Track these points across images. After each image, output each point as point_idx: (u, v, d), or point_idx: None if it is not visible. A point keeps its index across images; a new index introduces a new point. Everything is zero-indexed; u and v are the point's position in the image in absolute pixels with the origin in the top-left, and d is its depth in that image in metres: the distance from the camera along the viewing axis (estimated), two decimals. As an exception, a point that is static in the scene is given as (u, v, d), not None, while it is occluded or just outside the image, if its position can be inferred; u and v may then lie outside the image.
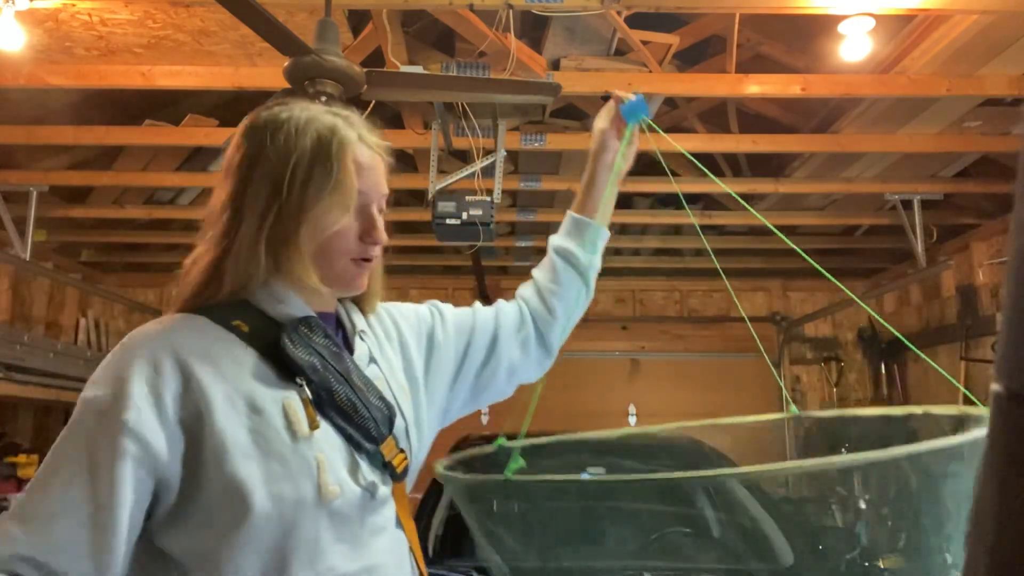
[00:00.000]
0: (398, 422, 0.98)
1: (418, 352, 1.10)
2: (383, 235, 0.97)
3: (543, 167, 4.14)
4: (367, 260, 0.97)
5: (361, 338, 1.03)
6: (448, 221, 3.23)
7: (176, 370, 0.86)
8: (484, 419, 5.32)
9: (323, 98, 2.20)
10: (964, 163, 4.03)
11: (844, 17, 2.70)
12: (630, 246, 5.50)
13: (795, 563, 2.58)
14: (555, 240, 1.24)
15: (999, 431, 0.39)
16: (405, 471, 0.98)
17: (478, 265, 5.46)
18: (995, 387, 0.39)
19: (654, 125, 1.19)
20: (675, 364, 6.07)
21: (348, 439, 0.92)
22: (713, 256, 1.08)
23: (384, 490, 0.94)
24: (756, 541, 2.81)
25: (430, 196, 3.33)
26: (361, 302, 1.06)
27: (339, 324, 1.03)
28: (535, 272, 1.25)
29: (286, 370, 0.89)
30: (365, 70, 2.26)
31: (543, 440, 1.21)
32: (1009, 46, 2.77)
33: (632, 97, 1.20)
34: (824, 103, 3.57)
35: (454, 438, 3.08)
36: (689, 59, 3.56)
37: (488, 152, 3.33)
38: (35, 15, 2.62)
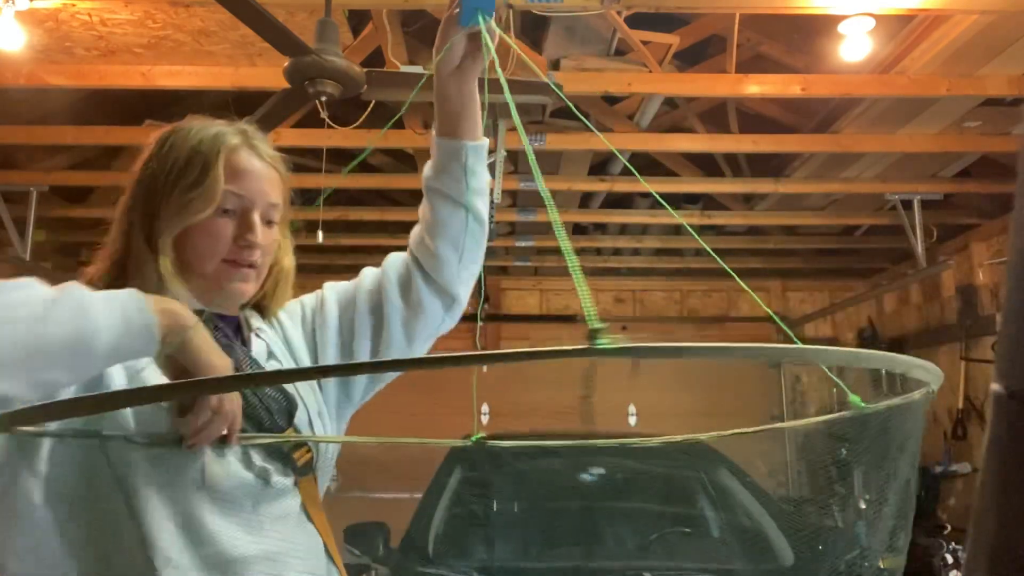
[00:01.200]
0: (300, 415, 0.99)
1: (303, 344, 1.09)
2: (257, 239, 0.97)
3: (543, 167, 4.13)
4: (248, 266, 0.98)
5: (258, 335, 1.04)
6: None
7: None
8: (484, 418, 5.31)
9: (322, 98, 2.20)
10: (964, 163, 4.02)
11: (844, 17, 2.70)
12: (630, 246, 5.50)
13: (795, 563, 2.59)
14: (424, 172, 1.14)
15: (999, 431, 0.39)
16: (308, 465, 0.98)
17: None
18: (995, 387, 0.39)
19: (496, 28, 1.01)
20: (675, 364, 6.07)
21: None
22: (718, 258, 1.01)
23: (281, 479, 0.94)
24: (756, 541, 2.82)
25: (430, 196, 3.33)
26: (261, 309, 1.08)
27: (240, 327, 1.04)
28: (420, 210, 1.15)
29: None
30: (365, 70, 2.26)
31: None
32: (1009, 46, 2.77)
33: None
34: (824, 103, 3.57)
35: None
36: (689, 59, 3.55)
37: (488, 152, 3.33)
38: (35, 15, 2.62)
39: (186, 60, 3.01)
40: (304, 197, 1.09)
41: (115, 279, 0.95)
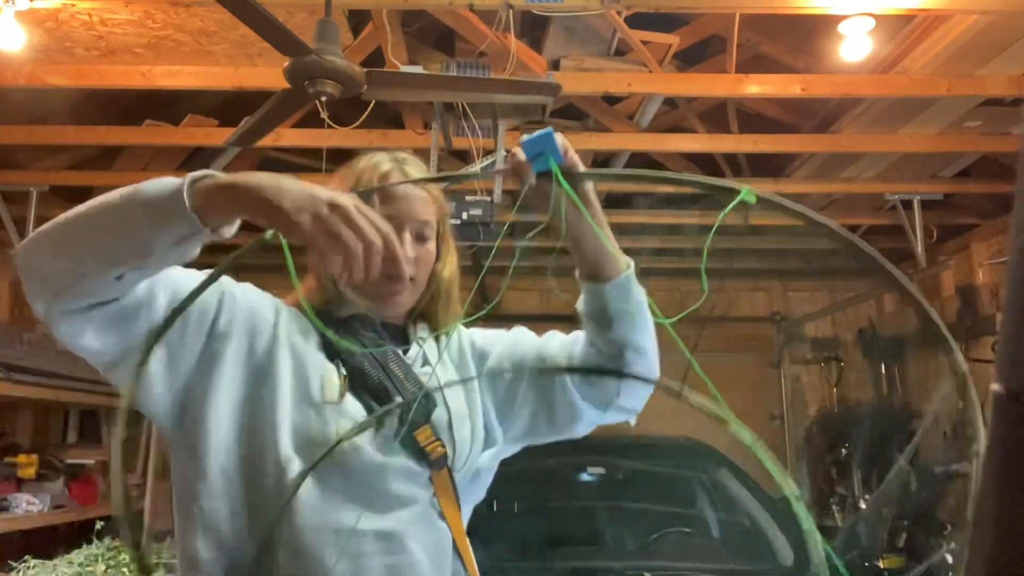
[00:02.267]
0: (439, 413, 1.07)
1: (481, 367, 1.19)
2: (408, 253, 1.08)
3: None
4: (399, 279, 1.08)
5: (418, 344, 1.16)
6: (448, 221, 3.23)
7: (274, 313, 1.08)
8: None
9: (322, 98, 2.20)
10: (964, 163, 4.02)
11: (844, 17, 2.70)
12: (630, 246, 5.48)
13: (795, 563, 2.59)
14: (578, 304, 1.23)
15: (999, 431, 0.39)
16: (442, 460, 1.06)
17: (478, 265, 5.46)
18: (995, 387, 0.39)
19: (561, 181, 0.99)
20: (674, 364, 6.06)
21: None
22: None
23: (411, 466, 1.02)
24: (756, 541, 2.82)
25: (430, 196, 3.33)
26: (430, 323, 1.20)
27: (406, 334, 1.17)
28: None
29: (333, 351, 1.06)
30: (365, 70, 2.26)
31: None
32: (1009, 46, 2.77)
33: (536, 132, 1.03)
34: (824, 103, 3.57)
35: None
36: (689, 59, 3.55)
37: (488, 152, 3.33)
38: (35, 15, 2.62)
39: (186, 60, 3.01)
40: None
41: (313, 290, 1.11)
